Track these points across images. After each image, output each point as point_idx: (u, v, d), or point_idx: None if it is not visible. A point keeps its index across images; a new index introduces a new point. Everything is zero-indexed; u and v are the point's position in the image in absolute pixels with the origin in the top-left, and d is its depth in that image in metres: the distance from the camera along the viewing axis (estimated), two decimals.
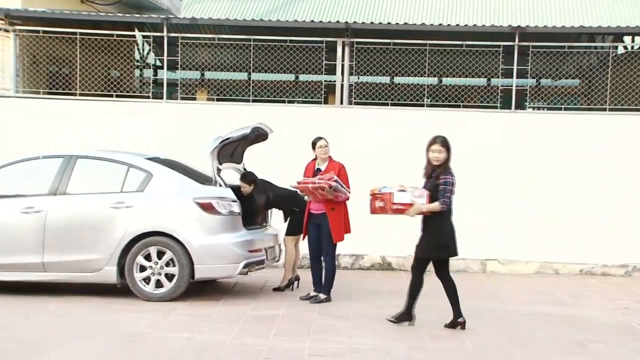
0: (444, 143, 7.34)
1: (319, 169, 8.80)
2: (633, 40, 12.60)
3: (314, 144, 8.86)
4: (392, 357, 6.47)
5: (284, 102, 12.28)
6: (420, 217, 7.37)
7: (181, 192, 8.67)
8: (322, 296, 8.71)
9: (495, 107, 11.78)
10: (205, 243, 8.49)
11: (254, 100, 12.04)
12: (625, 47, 13.38)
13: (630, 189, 11.19)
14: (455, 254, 7.41)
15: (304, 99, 12.81)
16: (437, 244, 7.32)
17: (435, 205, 7.22)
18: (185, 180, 8.81)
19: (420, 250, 7.43)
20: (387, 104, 11.99)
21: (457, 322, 7.45)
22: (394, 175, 10.45)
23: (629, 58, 11.94)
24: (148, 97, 12.16)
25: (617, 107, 11.60)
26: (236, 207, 8.72)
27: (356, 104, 11.91)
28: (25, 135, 11.38)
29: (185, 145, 10.91)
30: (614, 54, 11.83)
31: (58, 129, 11.43)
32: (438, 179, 7.28)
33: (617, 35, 12.46)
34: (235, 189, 8.97)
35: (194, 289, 8.93)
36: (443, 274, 7.48)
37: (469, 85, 12.72)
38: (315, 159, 8.90)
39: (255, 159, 9.94)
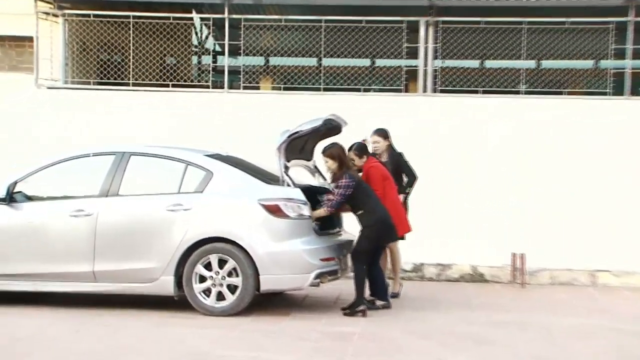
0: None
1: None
2: None
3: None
4: None
5: (359, 90, 12.16)
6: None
7: (245, 193, 8.66)
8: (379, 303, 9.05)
9: (605, 94, 11.45)
10: (272, 250, 8.46)
11: (325, 89, 11.98)
12: None
13: None
14: None
15: (381, 87, 12.67)
16: None
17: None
18: (249, 180, 8.80)
19: None
20: (477, 92, 11.75)
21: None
22: (494, 175, 10.37)
23: None
24: (207, 87, 12.26)
25: None
26: (306, 210, 8.68)
27: (441, 91, 11.74)
28: (74, 130, 11.61)
29: (249, 140, 10.94)
30: None
31: (109, 122, 11.63)
32: None
33: None
34: (305, 189, 8.92)
35: (259, 302, 8.91)
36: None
37: (573, 69, 12.34)
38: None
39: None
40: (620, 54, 11.32)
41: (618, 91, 11.38)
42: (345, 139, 9.40)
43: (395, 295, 9.64)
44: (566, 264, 11.02)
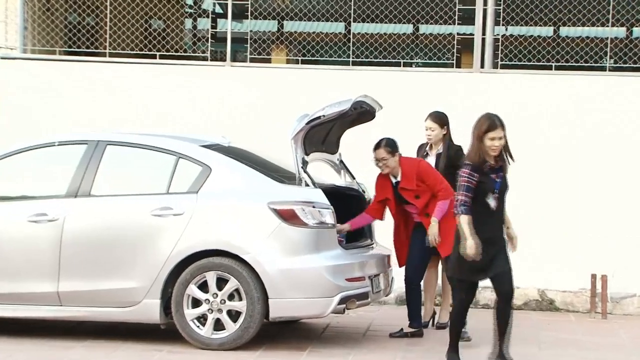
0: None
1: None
2: None
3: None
4: None
5: (399, 64, 12.17)
6: None
7: (251, 194, 8.69)
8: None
9: None
10: (286, 267, 8.46)
11: (354, 63, 11.99)
12: None
13: None
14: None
15: (426, 61, 12.67)
16: None
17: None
18: (256, 177, 8.83)
19: None
20: (550, 67, 11.72)
21: None
22: (570, 175, 10.36)
23: None
24: (205, 59, 12.28)
25: None
26: (329, 217, 8.68)
27: (503, 67, 11.73)
28: (35, 112, 11.65)
29: (257, 127, 10.96)
30: None
31: (80, 101, 11.67)
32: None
33: None
34: (329, 190, 8.93)
35: (268, 333, 8.93)
36: None
37: None
38: None
39: (351, 150, 9.91)
40: None
41: None
42: (380, 128, 9.43)
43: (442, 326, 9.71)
44: None
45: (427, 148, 9.87)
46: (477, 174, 7.46)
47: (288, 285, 8.45)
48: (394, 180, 9.21)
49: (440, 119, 9.81)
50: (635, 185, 11.09)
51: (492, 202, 7.53)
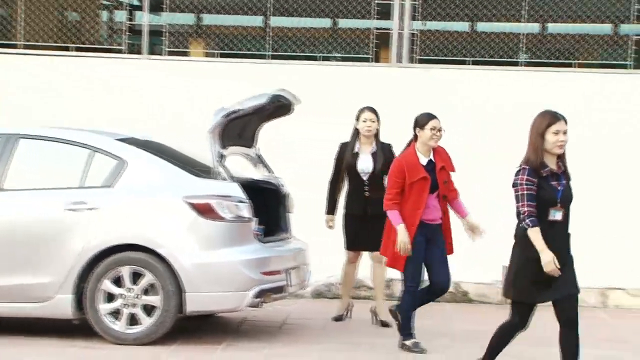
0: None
1: (431, 161, 8.46)
2: None
3: (423, 124, 8.41)
4: None
5: (315, 58, 12.20)
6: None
7: (167, 188, 8.66)
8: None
9: (625, 66, 11.68)
10: (201, 261, 8.46)
11: (272, 57, 11.99)
12: None
13: None
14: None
15: (344, 55, 12.71)
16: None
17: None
18: (173, 171, 8.80)
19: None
20: (465, 62, 11.85)
21: None
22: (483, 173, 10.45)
23: None
24: (120, 51, 12.16)
25: None
26: (246, 210, 8.69)
27: (421, 61, 11.81)
28: None
29: (174, 120, 10.89)
30: None
31: None
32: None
33: None
34: (246, 184, 8.92)
35: (184, 328, 8.90)
36: None
37: (586, 35, 12.52)
38: (412, 147, 8.51)
39: (270, 145, 9.90)
40: None
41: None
42: (299, 122, 9.45)
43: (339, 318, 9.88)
44: None
45: (356, 146, 9.66)
46: (536, 180, 6.49)
47: (204, 279, 8.44)
48: (425, 160, 8.44)
49: (376, 112, 9.72)
50: None
51: (555, 215, 6.53)
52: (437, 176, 8.34)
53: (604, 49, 12.27)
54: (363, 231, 9.58)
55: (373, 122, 9.60)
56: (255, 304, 8.71)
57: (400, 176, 8.27)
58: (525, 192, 6.44)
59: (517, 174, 6.55)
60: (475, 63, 11.92)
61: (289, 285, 8.97)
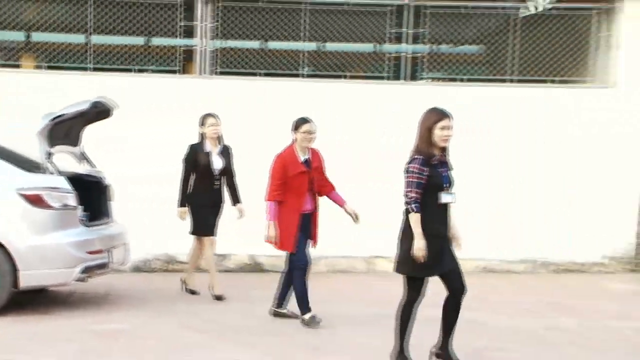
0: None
1: (307, 160, 8.31)
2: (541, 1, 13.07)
3: (297, 127, 8.29)
4: None
5: (131, 70, 12.12)
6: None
7: (1, 182, 8.47)
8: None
9: (384, 78, 12.12)
10: (33, 244, 8.36)
11: (94, 69, 11.85)
12: (533, 8, 13.78)
13: (540, 172, 11.81)
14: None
15: (156, 67, 12.67)
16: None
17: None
18: (6, 167, 8.61)
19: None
20: (256, 74, 12.05)
21: None
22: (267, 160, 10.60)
23: (536, 20, 12.39)
24: None
25: (522, 77, 12.10)
26: (71, 199, 8.65)
27: (220, 73, 11.94)
28: None
29: (5, 124, 10.61)
30: (518, 16, 12.28)
31: None
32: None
33: None
34: (71, 177, 8.84)
35: (19, 302, 8.73)
36: None
37: (355, 52, 12.90)
38: (292, 147, 8.34)
39: (96, 143, 9.88)
40: (398, 39, 11.95)
41: (398, 75, 12.05)
42: (118, 126, 9.40)
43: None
44: (344, 252, 11.66)
45: (207, 147, 9.48)
46: (427, 168, 6.33)
47: (36, 258, 8.35)
48: (303, 158, 8.28)
49: (218, 117, 9.57)
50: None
51: (444, 197, 6.41)
52: (312, 172, 8.25)
53: (368, 64, 12.63)
54: (212, 217, 9.53)
55: (218, 125, 9.49)
56: (81, 279, 8.68)
57: (281, 171, 8.12)
58: (415, 179, 6.29)
59: (410, 162, 6.38)
60: (265, 75, 12.08)
61: (110, 262, 8.98)
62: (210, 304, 9.27)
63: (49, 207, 8.47)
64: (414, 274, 6.44)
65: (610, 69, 12.08)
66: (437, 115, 6.40)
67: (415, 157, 6.36)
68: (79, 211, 8.79)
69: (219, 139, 9.57)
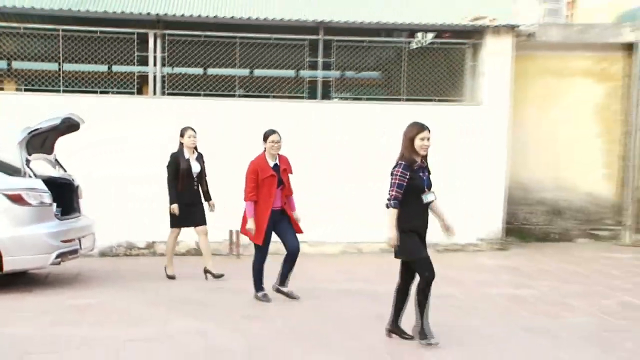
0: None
1: (276, 165, 8.08)
2: (424, 36, 13.36)
3: (265, 138, 8.04)
4: (207, 339, 6.55)
5: (95, 92, 11.92)
6: None
7: None
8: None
9: (303, 97, 12.16)
10: (15, 235, 8.20)
11: (64, 91, 11.61)
12: (419, 42, 14.12)
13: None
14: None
15: (117, 90, 12.48)
16: None
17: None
18: None
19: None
20: (199, 95, 11.99)
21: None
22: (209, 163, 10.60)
23: (422, 52, 12.67)
24: None
25: (412, 97, 12.31)
26: (47, 198, 8.51)
27: (169, 94, 11.83)
28: None
29: None
30: (408, 49, 12.54)
31: None
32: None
33: (411, 31, 13.16)
34: (48, 180, 8.68)
35: (3, 283, 8.55)
36: None
37: (279, 77, 12.95)
38: (263, 154, 8.08)
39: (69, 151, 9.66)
40: (314, 66, 12.04)
41: (313, 96, 12.13)
42: (86, 137, 9.22)
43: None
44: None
45: (186, 155, 9.17)
46: (409, 172, 6.21)
47: (17, 247, 8.21)
48: (272, 163, 8.05)
49: (195, 129, 9.29)
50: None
51: (428, 198, 6.29)
52: (281, 175, 8.04)
53: (289, 86, 12.69)
54: (192, 212, 9.22)
55: (195, 137, 9.22)
56: (56, 263, 8.53)
57: (254, 174, 7.93)
58: (397, 181, 6.17)
59: (395, 166, 6.25)
60: (206, 95, 12.03)
61: (80, 249, 8.85)
62: (165, 282, 9.15)
63: (28, 204, 8.31)
64: (412, 257, 6.30)
65: (477, 91, 12.40)
66: (417, 128, 6.29)
67: (400, 162, 6.25)
68: (54, 207, 8.65)
69: (195, 147, 9.36)
